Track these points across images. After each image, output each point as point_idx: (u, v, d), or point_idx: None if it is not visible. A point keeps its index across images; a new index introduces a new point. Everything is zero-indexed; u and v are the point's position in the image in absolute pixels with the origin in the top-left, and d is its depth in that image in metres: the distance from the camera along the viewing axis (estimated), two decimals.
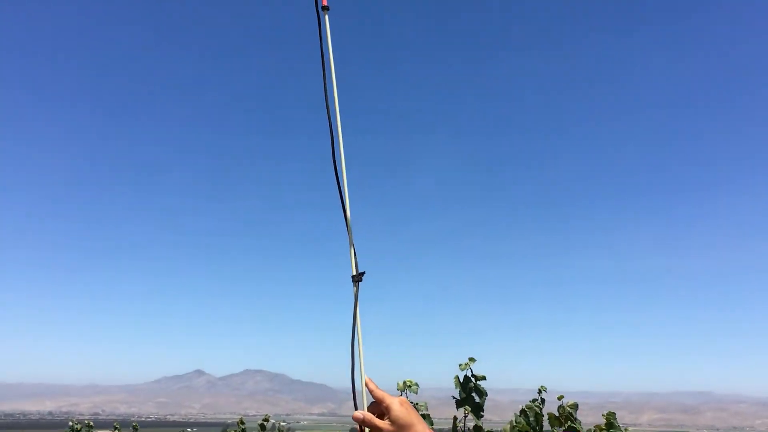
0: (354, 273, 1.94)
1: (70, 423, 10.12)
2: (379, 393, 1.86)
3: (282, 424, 17.08)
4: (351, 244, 1.95)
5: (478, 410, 4.65)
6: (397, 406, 1.81)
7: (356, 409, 1.96)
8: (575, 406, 4.00)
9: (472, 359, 4.74)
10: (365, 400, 2.05)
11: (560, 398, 4.07)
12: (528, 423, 5.03)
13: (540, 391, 5.41)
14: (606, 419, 4.22)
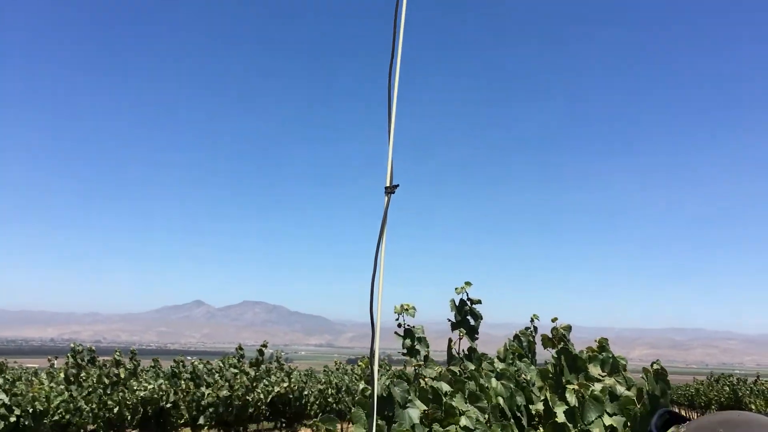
0: (388, 184, 2.01)
1: (72, 345, 10.28)
2: None
3: (280, 354, 17.42)
4: (390, 153, 2.01)
5: (472, 333, 4.71)
6: None
7: (372, 310, 2.00)
8: (568, 328, 4.05)
9: (468, 283, 4.78)
10: (379, 310, 2.08)
11: (554, 320, 4.11)
12: (521, 347, 5.11)
13: (532, 320, 5.48)
14: (599, 343, 4.28)
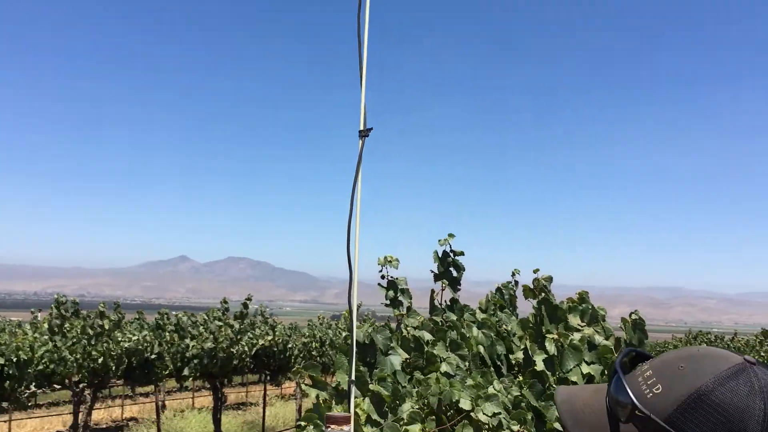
0: (361, 128, 2.08)
1: (56, 296, 10.28)
2: None
3: (265, 308, 17.54)
4: (362, 98, 2.07)
5: (455, 284, 4.75)
6: None
7: (349, 255, 2.02)
8: (549, 279, 4.09)
9: (451, 235, 4.80)
10: (356, 252, 2.10)
11: (536, 271, 4.15)
12: (503, 299, 5.16)
13: (514, 274, 5.53)
14: (579, 295, 4.33)
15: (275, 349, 15.25)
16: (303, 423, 3.08)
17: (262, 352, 14.85)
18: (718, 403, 1.03)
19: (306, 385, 3.55)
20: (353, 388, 2.25)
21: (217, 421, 13.85)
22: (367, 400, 3.22)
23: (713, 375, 1.06)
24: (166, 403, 21.75)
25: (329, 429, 1.89)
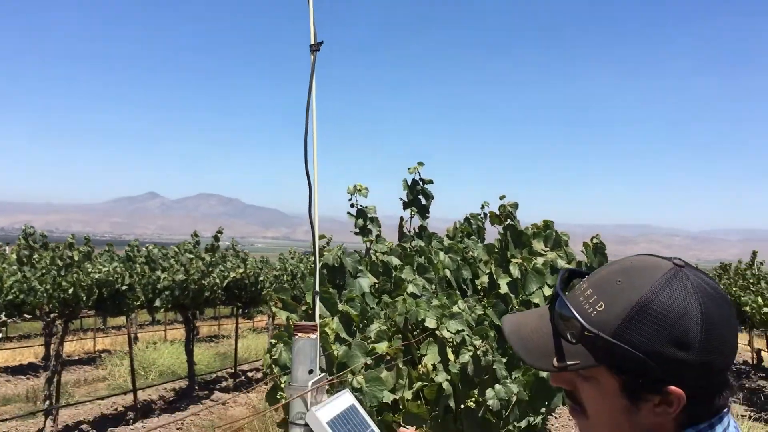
0: (312, 42, 2.03)
1: (23, 227, 10.19)
2: None
3: (236, 243, 17.57)
4: (311, 10, 2.01)
5: (424, 212, 4.81)
6: None
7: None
8: (515, 206, 4.18)
9: (420, 163, 4.83)
10: (315, 167, 2.12)
11: (502, 198, 4.24)
12: (470, 228, 5.26)
13: (483, 206, 5.61)
14: (543, 222, 4.44)
15: (246, 281, 15.37)
16: (273, 341, 3.17)
17: (234, 284, 14.96)
18: (659, 311, 1.08)
19: (276, 307, 3.62)
20: (317, 299, 2.32)
21: (189, 352, 14.04)
22: (336, 319, 3.30)
23: (650, 285, 1.11)
24: (139, 335, 21.93)
25: (297, 337, 1.96)
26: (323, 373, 1.98)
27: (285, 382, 2.82)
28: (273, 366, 3.16)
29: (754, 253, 20.43)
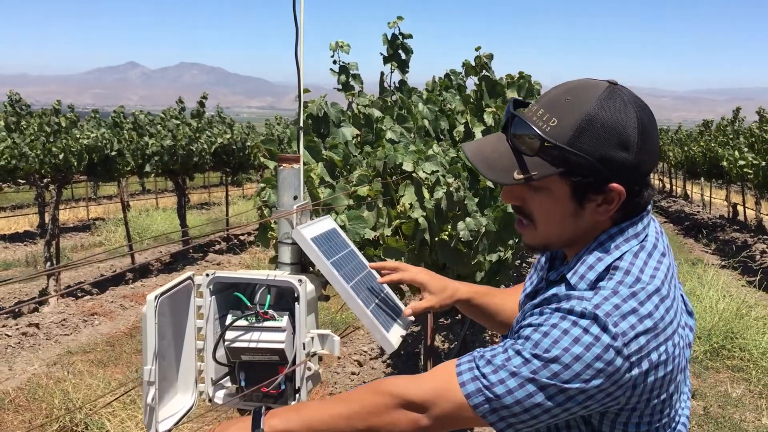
0: None
1: (8, 94, 10.17)
2: (405, 276, 1.96)
3: (222, 110, 17.55)
4: None
5: (403, 66, 4.94)
6: (427, 276, 1.94)
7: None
8: (490, 56, 4.31)
9: (400, 17, 4.90)
10: (302, 19, 2.25)
11: (477, 49, 4.36)
12: (450, 83, 5.40)
13: (464, 65, 5.72)
14: (519, 73, 4.60)
15: (234, 147, 15.54)
16: (263, 185, 3.40)
17: (222, 150, 15.13)
18: (604, 120, 1.27)
19: (264, 158, 3.83)
20: (302, 134, 2.52)
21: (182, 217, 14.41)
22: (320, 164, 3.53)
23: (595, 99, 1.29)
24: (130, 204, 22.30)
25: (281, 167, 2.14)
26: (307, 200, 2.19)
27: (274, 222, 3.09)
28: (263, 208, 3.42)
29: (737, 110, 20.56)
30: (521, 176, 1.31)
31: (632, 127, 1.28)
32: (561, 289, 1.33)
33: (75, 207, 22.98)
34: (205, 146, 14.01)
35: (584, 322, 1.22)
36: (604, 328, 1.21)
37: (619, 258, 1.32)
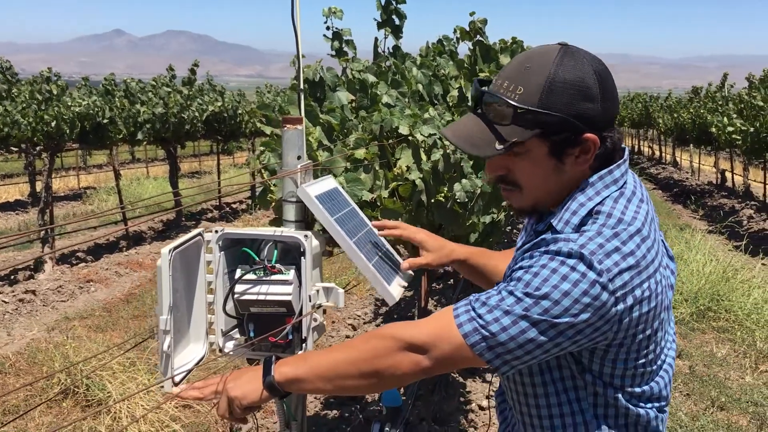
0: None
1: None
2: (405, 233, 2.12)
3: (211, 78, 17.45)
4: None
5: (397, 31, 4.97)
6: (426, 235, 2.10)
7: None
8: (484, 22, 4.35)
9: None
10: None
11: (472, 14, 4.40)
12: (443, 48, 5.43)
13: (455, 31, 5.75)
14: (512, 39, 4.64)
15: (225, 114, 15.50)
16: (262, 148, 3.46)
17: (213, 117, 15.10)
18: (565, 78, 1.37)
19: (261, 123, 3.88)
20: (302, 97, 2.58)
21: (174, 185, 14.44)
22: (318, 128, 3.59)
23: (552, 62, 1.39)
24: (121, 173, 22.25)
25: (285, 128, 2.22)
26: (309, 160, 2.27)
27: (274, 184, 3.16)
28: (263, 171, 3.48)
29: (725, 76, 20.57)
30: (502, 146, 1.41)
31: (591, 79, 1.39)
32: (548, 235, 1.43)
33: (65, 176, 22.92)
34: (197, 114, 13.98)
35: (571, 261, 1.32)
36: (590, 266, 1.31)
37: (600, 203, 1.42)
